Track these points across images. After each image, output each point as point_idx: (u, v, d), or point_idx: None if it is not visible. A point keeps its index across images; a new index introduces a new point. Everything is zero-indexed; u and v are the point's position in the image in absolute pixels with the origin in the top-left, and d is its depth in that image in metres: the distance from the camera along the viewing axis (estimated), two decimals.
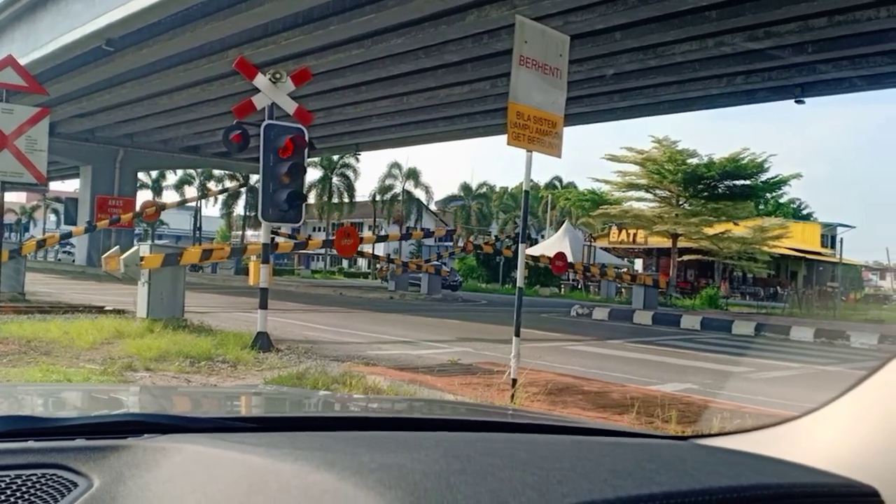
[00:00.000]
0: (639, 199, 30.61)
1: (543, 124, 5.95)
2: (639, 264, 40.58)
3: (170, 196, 56.98)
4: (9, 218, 58.49)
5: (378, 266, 37.98)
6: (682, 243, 29.53)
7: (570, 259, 34.18)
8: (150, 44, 21.04)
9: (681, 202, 28.85)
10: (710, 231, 28.58)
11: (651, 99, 23.16)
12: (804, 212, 54.19)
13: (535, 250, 36.19)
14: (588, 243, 39.41)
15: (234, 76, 20.03)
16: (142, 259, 9.61)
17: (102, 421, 1.08)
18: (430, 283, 24.24)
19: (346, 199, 53.82)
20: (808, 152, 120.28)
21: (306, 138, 8.58)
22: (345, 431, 1.09)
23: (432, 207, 62.85)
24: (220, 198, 56.01)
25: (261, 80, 8.59)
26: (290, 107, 8.85)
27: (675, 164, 27.65)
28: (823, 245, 41.22)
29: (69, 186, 53.32)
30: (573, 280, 32.12)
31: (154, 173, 54.09)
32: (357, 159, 52.04)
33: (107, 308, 11.48)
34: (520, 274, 6.20)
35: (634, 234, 36.64)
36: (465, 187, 61.92)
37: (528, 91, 5.85)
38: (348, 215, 55.62)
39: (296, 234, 20.09)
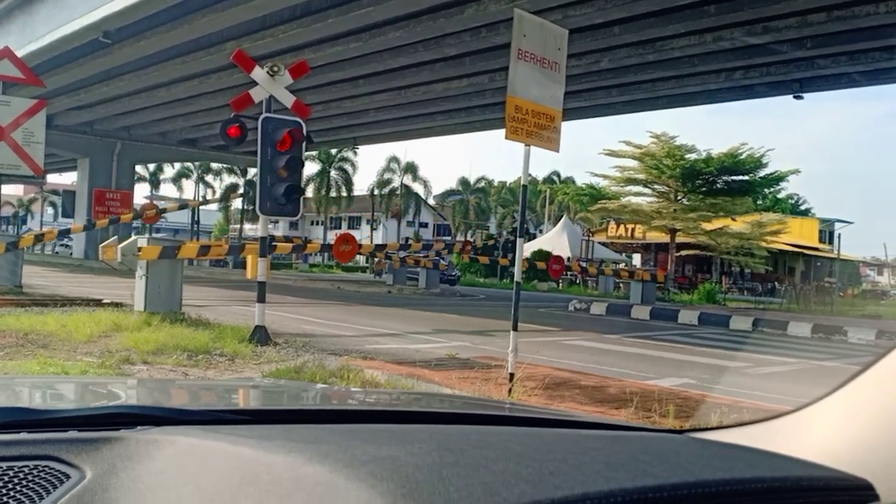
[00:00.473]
0: (637, 194, 30.58)
1: (542, 118, 5.94)
2: (637, 259, 40.54)
3: (167, 189, 56.95)
4: (6, 210, 58.51)
5: (376, 260, 37.93)
6: (680, 238, 29.53)
7: (568, 254, 34.30)
8: (148, 36, 20.97)
9: (679, 197, 28.82)
10: (708, 226, 28.54)
11: (649, 94, 23.12)
12: (802, 207, 54.18)
13: (533, 245, 36.25)
14: (586, 238, 39.43)
15: (231, 69, 20.02)
16: (139, 249, 9.61)
17: (95, 413, 1.08)
18: (428, 278, 24.20)
19: (345, 193, 53.79)
20: (806, 148, 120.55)
21: (304, 132, 8.57)
22: (339, 424, 1.09)
23: (430, 202, 62.90)
24: (218, 191, 55.98)
25: (258, 73, 8.57)
26: (288, 100, 8.82)
27: (674, 159, 27.62)
28: (821, 240, 41.22)
29: (67, 179, 53.26)
30: (571, 275, 32.12)
31: (152, 166, 53.96)
32: (355, 153, 51.98)
33: (104, 301, 11.44)
34: (517, 269, 6.20)
35: (633, 229, 36.59)
36: (464, 181, 61.87)
37: (527, 85, 5.84)
38: (346, 209, 55.62)
39: (294, 227, 20.07)
